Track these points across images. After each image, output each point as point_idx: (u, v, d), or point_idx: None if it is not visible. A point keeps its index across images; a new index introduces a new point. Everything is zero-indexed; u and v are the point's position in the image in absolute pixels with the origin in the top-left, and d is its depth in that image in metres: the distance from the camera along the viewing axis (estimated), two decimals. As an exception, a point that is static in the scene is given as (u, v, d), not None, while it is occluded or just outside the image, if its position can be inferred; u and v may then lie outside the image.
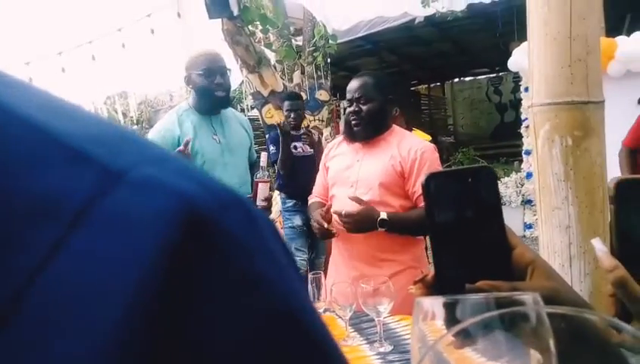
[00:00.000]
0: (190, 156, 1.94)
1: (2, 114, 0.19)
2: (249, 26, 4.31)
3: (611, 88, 3.52)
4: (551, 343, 0.28)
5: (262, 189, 2.00)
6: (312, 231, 3.54)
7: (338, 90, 7.93)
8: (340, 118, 8.46)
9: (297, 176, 3.22)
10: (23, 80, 0.23)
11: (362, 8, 5.10)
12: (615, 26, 5.04)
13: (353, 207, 1.66)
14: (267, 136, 3.89)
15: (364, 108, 1.75)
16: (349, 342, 1.42)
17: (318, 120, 5.10)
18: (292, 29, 5.27)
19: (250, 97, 5.04)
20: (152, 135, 2.08)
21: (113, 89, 5.44)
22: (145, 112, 7.66)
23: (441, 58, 10.11)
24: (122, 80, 4.86)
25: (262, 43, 4.70)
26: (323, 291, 1.49)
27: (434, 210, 0.46)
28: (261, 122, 4.78)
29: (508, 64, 5.03)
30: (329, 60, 5.19)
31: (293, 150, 3.35)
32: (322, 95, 5.11)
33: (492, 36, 7.30)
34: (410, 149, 1.72)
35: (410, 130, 3.27)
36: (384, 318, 1.38)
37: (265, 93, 4.55)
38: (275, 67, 4.79)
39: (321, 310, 1.50)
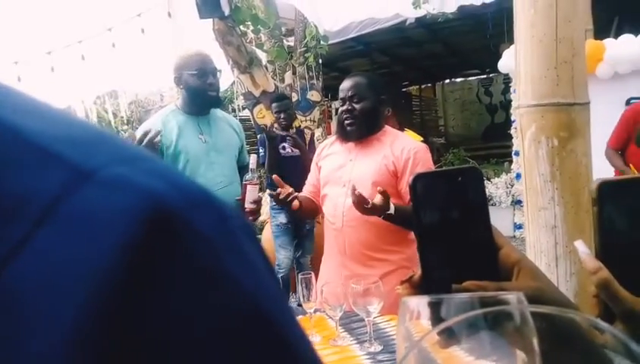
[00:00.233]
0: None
1: None
2: (241, 27, 4.30)
3: (599, 90, 3.56)
4: (535, 342, 0.28)
5: (251, 192, 1.99)
6: (298, 230, 3.58)
7: (330, 91, 7.94)
8: (331, 119, 8.47)
9: (285, 176, 3.25)
10: (0, 82, 0.23)
11: (354, 9, 5.11)
12: (603, 28, 5.09)
13: (347, 205, 1.67)
14: (258, 136, 3.91)
15: (357, 106, 1.76)
16: (340, 342, 1.42)
17: (310, 120, 5.10)
18: (283, 29, 5.26)
19: (241, 97, 5.03)
20: (137, 134, 2.10)
21: (103, 88, 5.40)
22: (135, 112, 7.61)
23: (432, 59, 10.15)
24: (112, 79, 4.83)
25: (254, 43, 4.69)
26: (313, 291, 1.49)
27: (421, 210, 0.46)
28: (252, 122, 4.78)
29: (498, 65, 5.07)
30: (320, 61, 5.19)
31: (282, 151, 3.41)
32: (314, 95, 5.11)
33: (482, 38, 7.35)
34: (403, 149, 1.73)
35: (402, 130, 3.29)
36: (374, 318, 1.38)
37: (257, 94, 4.54)
38: (267, 68, 4.78)
39: (311, 310, 1.50)
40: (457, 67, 11.58)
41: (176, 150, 2.04)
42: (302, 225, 3.58)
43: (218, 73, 2.17)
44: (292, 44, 5.23)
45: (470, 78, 13.19)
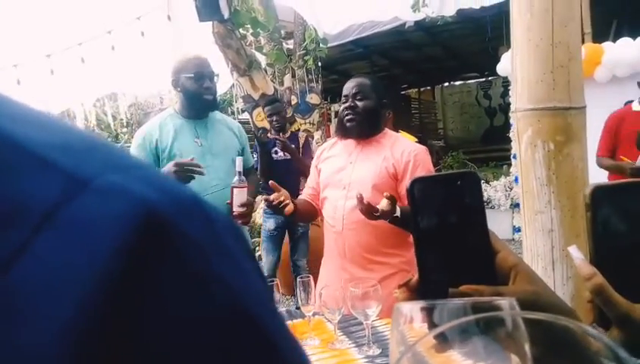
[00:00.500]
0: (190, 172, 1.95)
1: None
2: (240, 30, 4.31)
3: (598, 93, 3.57)
4: (527, 348, 0.28)
5: (238, 195, 1.97)
6: (292, 233, 3.59)
7: (329, 94, 7.95)
8: (330, 122, 8.47)
9: (278, 179, 3.27)
10: None
11: (353, 12, 5.12)
12: (602, 32, 5.10)
13: (347, 208, 1.68)
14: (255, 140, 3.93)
15: (360, 104, 1.78)
16: (338, 345, 1.42)
17: (309, 123, 5.11)
18: (283, 32, 5.27)
19: (241, 100, 5.04)
20: (135, 138, 2.15)
21: (102, 91, 5.40)
22: (135, 115, 7.62)
23: (431, 63, 10.17)
24: (112, 82, 4.83)
25: (253, 46, 4.70)
26: (312, 295, 1.49)
27: (419, 214, 0.47)
28: (251, 125, 4.78)
29: (497, 68, 5.08)
30: (320, 63, 5.20)
31: (274, 155, 3.45)
32: (313, 98, 5.12)
33: (481, 41, 7.36)
34: (403, 151, 1.74)
35: (397, 131, 3.30)
36: (373, 321, 1.38)
37: (256, 96, 4.55)
38: (266, 71, 4.79)
39: (310, 313, 1.50)
40: (456, 70, 11.60)
41: (171, 153, 2.05)
42: (296, 228, 3.59)
43: (216, 77, 2.18)
44: (291, 47, 5.24)
45: (469, 81, 13.21)
